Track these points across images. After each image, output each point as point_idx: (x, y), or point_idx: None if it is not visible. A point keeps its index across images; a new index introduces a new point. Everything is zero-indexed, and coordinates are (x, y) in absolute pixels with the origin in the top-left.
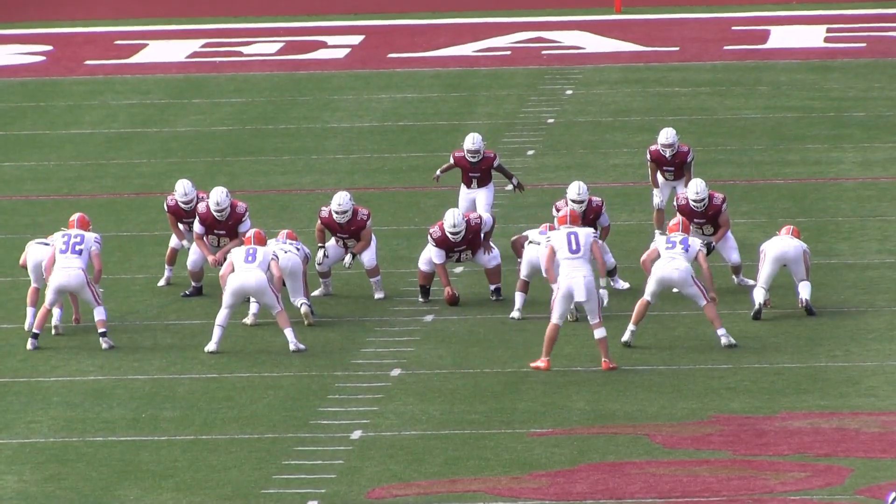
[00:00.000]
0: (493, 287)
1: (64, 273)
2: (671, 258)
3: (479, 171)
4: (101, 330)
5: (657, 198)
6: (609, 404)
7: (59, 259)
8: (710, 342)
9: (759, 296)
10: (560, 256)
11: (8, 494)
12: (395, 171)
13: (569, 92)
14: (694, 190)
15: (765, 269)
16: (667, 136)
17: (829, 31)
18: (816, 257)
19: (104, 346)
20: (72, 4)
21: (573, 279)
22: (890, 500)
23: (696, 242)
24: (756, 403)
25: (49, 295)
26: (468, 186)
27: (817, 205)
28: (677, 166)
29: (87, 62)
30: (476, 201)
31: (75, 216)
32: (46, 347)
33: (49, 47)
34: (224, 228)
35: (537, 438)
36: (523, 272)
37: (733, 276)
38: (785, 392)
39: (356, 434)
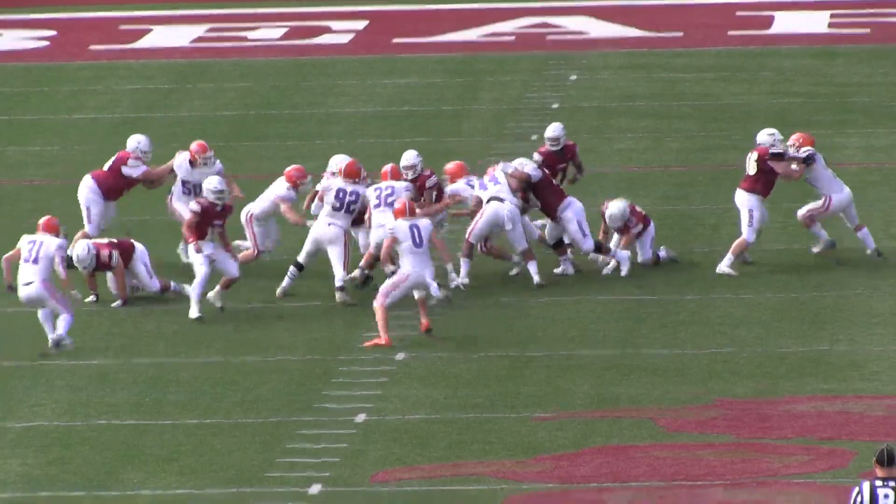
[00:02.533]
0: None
1: (24, 289)
2: None
3: (563, 162)
4: (58, 335)
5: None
6: (613, 388)
7: (21, 270)
8: (715, 326)
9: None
10: (404, 248)
11: (12, 478)
12: (399, 156)
13: (573, 77)
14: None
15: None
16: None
17: (833, 16)
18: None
19: (54, 351)
20: None
21: (418, 273)
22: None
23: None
24: (760, 387)
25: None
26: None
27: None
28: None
29: (91, 47)
30: None
31: (43, 219)
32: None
33: (53, 32)
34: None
35: (542, 422)
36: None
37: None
38: (789, 376)
39: (360, 418)
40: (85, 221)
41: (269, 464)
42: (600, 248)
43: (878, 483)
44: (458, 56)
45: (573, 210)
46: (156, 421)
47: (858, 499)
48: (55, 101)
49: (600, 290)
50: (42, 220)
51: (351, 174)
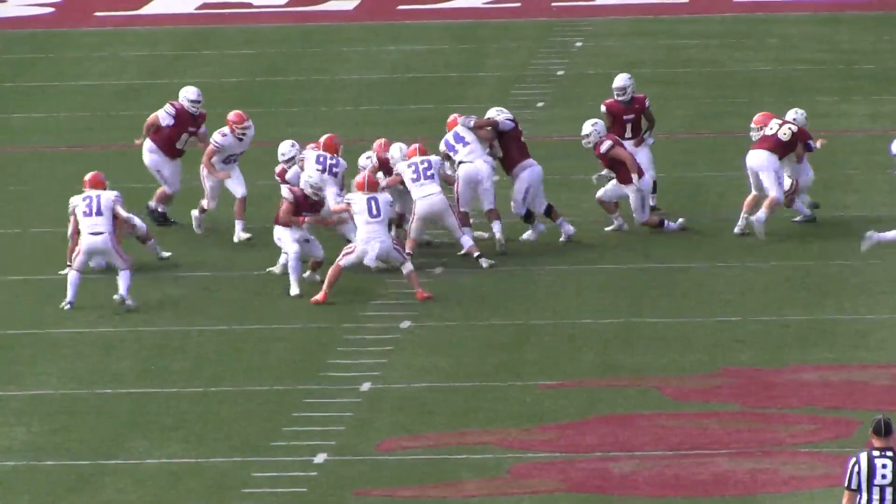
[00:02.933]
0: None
1: (90, 238)
2: None
3: (632, 113)
4: (121, 293)
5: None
6: (618, 357)
7: (85, 223)
8: (720, 295)
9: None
10: (360, 220)
11: (17, 446)
12: (405, 122)
13: (578, 44)
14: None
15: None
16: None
17: None
18: (826, 210)
19: (122, 311)
20: None
21: (370, 244)
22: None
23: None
24: (765, 356)
25: (81, 257)
26: (622, 139)
27: (827, 158)
28: (636, 113)
29: (97, 13)
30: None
31: (88, 176)
32: (56, 299)
33: None
34: (195, 126)
35: (547, 391)
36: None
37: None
38: (794, 345)
39: (365, 386)
40: (163, 185)
41: (275, 432)
42: (531, 216)
43: (876, 453)
44: (463, 22)
45: (529, 174)
46: (161, 389)
47: (856, 469)
48: (60, 68)
49: (606, 258)
50: (88, 177)
51: (329, 148)
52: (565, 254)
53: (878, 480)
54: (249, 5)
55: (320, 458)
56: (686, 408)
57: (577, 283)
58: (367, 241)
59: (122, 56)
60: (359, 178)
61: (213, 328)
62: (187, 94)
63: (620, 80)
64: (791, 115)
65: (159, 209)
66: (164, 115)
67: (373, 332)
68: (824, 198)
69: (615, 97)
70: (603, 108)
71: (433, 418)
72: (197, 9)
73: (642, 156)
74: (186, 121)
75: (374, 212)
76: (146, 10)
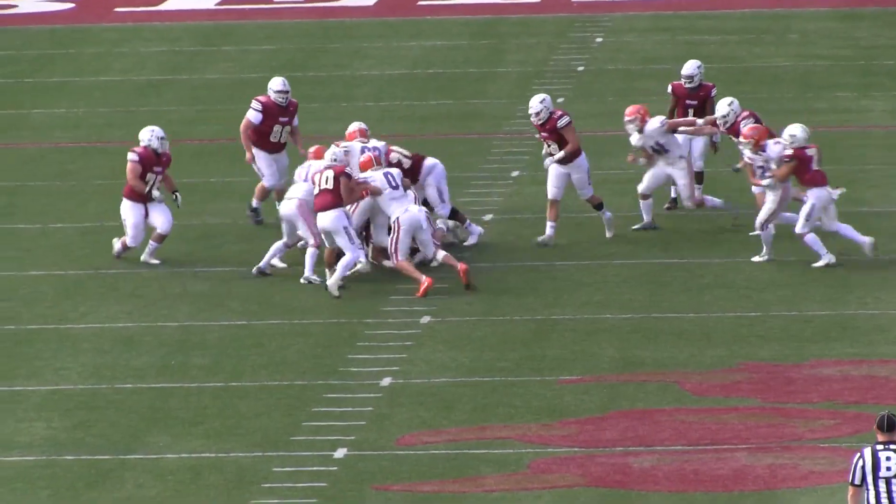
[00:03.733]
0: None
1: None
2: None
3: (696, 100)
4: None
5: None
6: (638, 352)
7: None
8: (740, 290)
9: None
10: (383, 198)
11: (37, 441)
12: (425, 118)
13: (599, 40)
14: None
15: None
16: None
17: None
18: (845, 205)
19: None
20: None
21: (408, 212)
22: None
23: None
24: (785, 351)
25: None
26: None
27: (846, 153)
28: (700, 100)
29: (117, 9)
30: (692, 146)
31: (313, 148)
32: (76, 294)
33: None
34: (287, 115)
35: (567, 386)
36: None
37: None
38: (814, 339)
39: (386, 381)
40: (262, 178)
41: (295, 427)
42: (457, 214)
43: (880, 447)
44: (483, 18)
45: (434, 175)
46: (181, 384)
47: (860, 463)
48: (80, 64)
49: (625, 253)
50: (312, 150)
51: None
52: (585, 249)
53: (882, 473)
54: (269, 0)
55: (340, 452)
56: (706, 403)
57: (597, 279)
58: (404, 210)
59: (141, 52)
60: (363, 158)
61: (234, 323)
62: (273, 84)
63: (689, 67)
64: (724, 106)
65: (253, 204)
66: (252, 114)
67: (393, 327)
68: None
69: (683, 83)
70: (669, 89)
71: (453, 413)
72: (217, 4)
73: (698, 143)
74: (275, 112)
75: (394, 184)
76: (166, 5)
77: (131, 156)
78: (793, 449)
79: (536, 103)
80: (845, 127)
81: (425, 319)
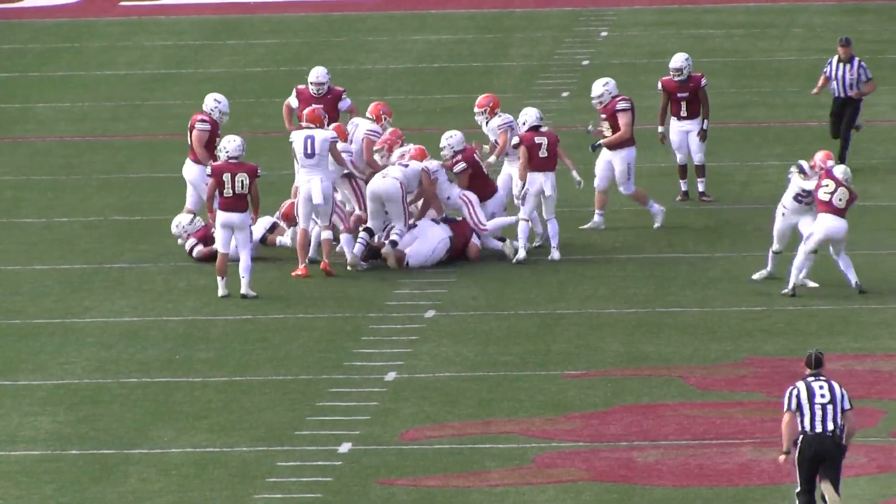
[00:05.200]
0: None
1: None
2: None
3: (687, 92)
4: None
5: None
6: (643, 346)
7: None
8: (745, 284)
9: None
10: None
11: (42, 435)
12: (430, 112)
13: (603, 34)
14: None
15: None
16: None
17: None
18: None
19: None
20: None
21: (309, 183)
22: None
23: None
24: (790, 346)
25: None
26: (678, 117)
27: (852, 147)
28: (691, 92)
29: (122, 3)
30: (690, 142)
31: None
32: (81, 288)
33: None
34: (322, 102)
35: (571, 380)
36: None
37: None
38: (818, 334)
39: (390, 376)
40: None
41: (299, 422)
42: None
43: (811, 379)
44: (488, 12)
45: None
46: (186, 378)
47: (795, 392)
48: (86, 58)
49: (630, 247)
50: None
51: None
52: (590, 243)
53: (818, 399)
54: None
55: (345, 447)
56: (711, 397)
57: (602, 273)
58: (307, 181)
59: (146, 46)
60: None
61: (238, 317)
62: (309, 76)
63: (677, 60)
64: (598, 87)
65: None
66: (292, 98)
67: (398, 321)
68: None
69: (672, 76)
70: (659, 86)
71: (458, 408)
72: None
73: (694, 137)
74: (309, 99)
75: (309, 150)
76: (170, 0)
77: (201, 125)
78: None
79: (599, 87)
80: None
81: (430, 314)
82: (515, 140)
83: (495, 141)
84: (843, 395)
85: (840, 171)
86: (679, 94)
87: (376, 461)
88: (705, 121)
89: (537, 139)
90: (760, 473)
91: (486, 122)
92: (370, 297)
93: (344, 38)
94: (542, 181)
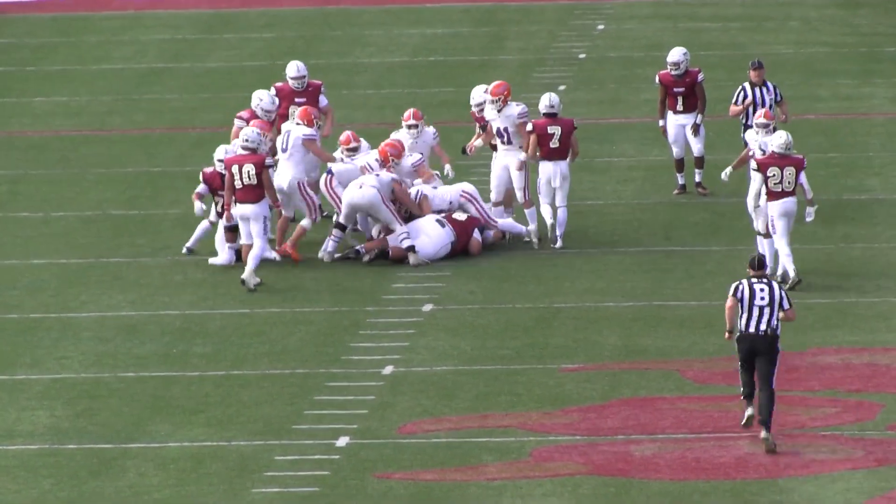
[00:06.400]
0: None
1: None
2: None
3: (683, 86)
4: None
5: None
6: (640, 340)
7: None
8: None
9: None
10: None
11: (39, 430)
12: (426, 106)
13: (600, 27)
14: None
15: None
16: (675, 54)
17: None
18: (847, 193)
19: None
20: None
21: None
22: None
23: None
24: (787, 339)
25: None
26: (675, 111)
27: (848, 140)
28: (688, 86)
29: None
30: (687, 135)
31: (343, 135)
32: (78, 283)
33: None
34: (304, 96)
35: (569, 374)
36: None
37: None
38: (815, 327)
39: (388, 369)
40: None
41: (297, 415)
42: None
43: (754, 281)
44: (483, 6)
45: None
46: (183, 372)
47: (740, 287)
48: (82, 52)
49: (628, 241)
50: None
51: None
52: (588, 237)
53: (758, 301)
54: None
55: (342, 441)
56: (708, 391)
57: (599, 266)
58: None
59: (143, 40)
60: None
61: (236, 311)
62: (287, 71)
63: (675, 54)
64: (479, 93)
65: None
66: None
67: (395, 315)
68: (846, 180)
69: (669, 70)
70: (656, 80)
71: (455, 401)
72: None
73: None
74: (290, 94)
75: (284, 146)
76: None
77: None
78: (795, 437)
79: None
80: (847, 114)
81: (427, 307)
82: (529, 126)
83: (504, 128)
84: (782, 297)
85: (779, 143)
86: (676, 89)
87: (374, 455)
88: (699, 115)
89: (550, 129)
90: (757, 467)
91: (499, 111)
92: (367, 291)
93: (339, 31)
94: (551, 170)
